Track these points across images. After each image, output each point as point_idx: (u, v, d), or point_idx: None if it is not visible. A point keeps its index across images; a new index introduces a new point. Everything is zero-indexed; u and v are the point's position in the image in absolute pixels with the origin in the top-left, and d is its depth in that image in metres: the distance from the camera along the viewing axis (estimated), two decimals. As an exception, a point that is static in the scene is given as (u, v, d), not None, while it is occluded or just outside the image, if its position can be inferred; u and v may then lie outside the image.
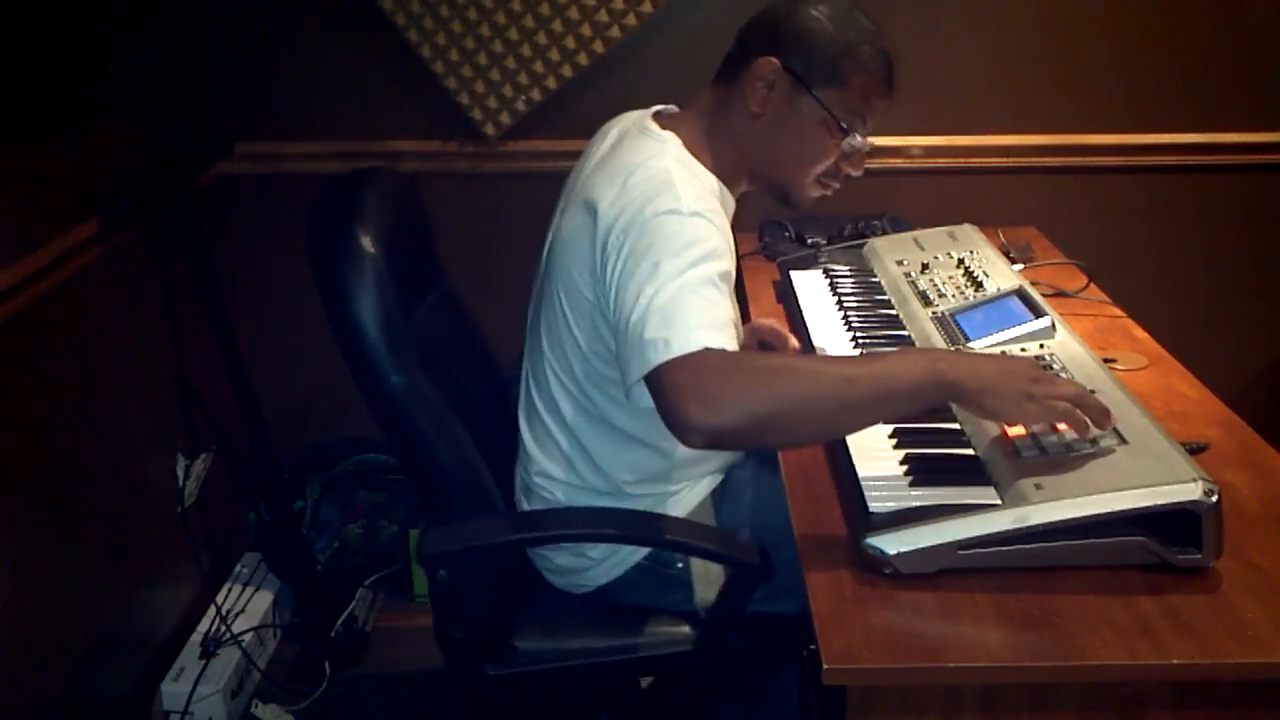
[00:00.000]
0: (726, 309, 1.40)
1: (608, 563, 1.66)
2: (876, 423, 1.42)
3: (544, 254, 1.70)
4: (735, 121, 1.59)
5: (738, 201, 1.71)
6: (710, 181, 1.58)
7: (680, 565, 1.65)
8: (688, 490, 1.69)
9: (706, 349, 1.31)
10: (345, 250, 1.52)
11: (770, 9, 1.61)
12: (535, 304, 1.72)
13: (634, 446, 1.62)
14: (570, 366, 1.61)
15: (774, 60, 1.55)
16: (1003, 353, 1.67)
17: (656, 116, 1.64)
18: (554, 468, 1.67)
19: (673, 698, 1.95)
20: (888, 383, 1.32)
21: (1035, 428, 1.38)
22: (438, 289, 1.82)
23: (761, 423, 1.30)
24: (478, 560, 1.61)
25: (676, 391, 1.30)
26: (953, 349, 1.71)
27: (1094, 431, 1.34)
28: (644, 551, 1.64)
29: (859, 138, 1.58)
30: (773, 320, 1.94)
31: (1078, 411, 1.33)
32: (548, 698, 1.78)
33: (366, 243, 1.53)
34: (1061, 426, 1.36)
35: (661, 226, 1.41)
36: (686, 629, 1.66)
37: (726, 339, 1.34)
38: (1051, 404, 1.33)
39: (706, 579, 1.63)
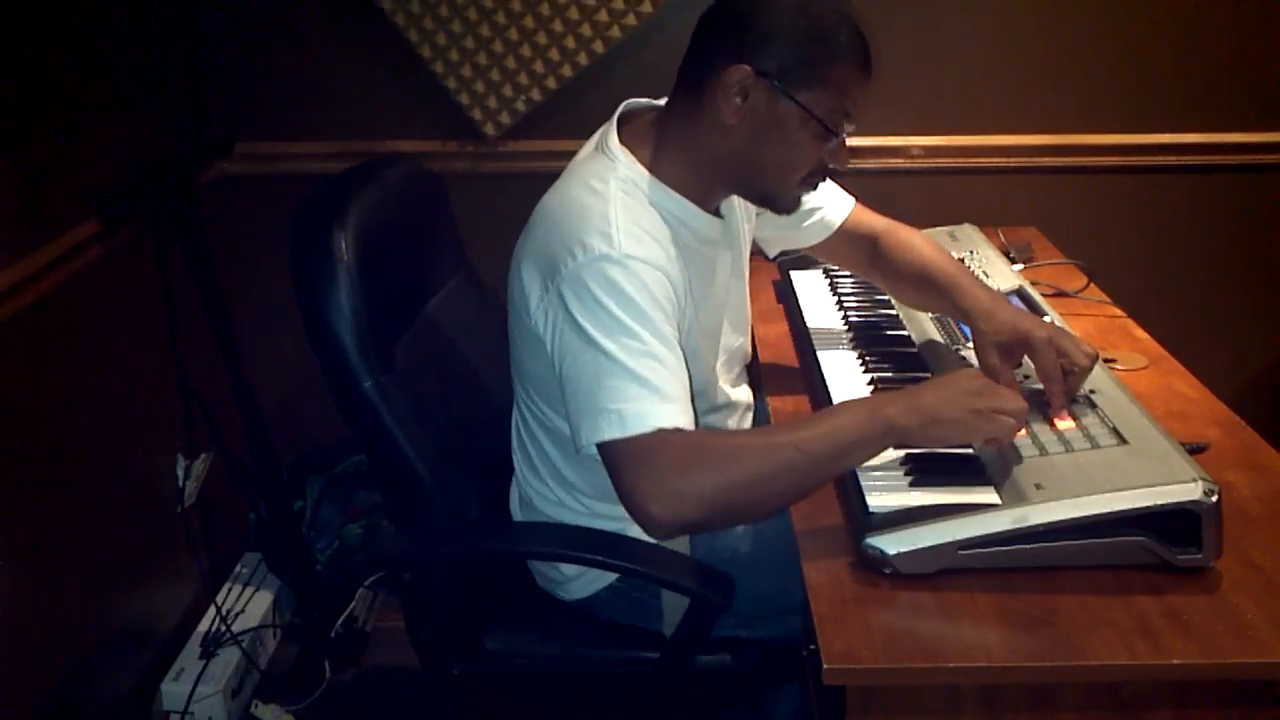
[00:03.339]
0: (675, 370, 1.37)
1: (580, 580, 1.65)
2: (834, 478, 1.41)
3: None
4: (707, 135, 1.46)
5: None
6: (653, 217, 1.46)
7: (650, 592, 1.61)
8: None
9: (659, 430, 1.31)
10: (319, 255, 1.52)
11: (730, 2, 1.45)
12: None
13: (594, 463, 1.57)
14: (525, 384, 1.60)
15: (745, 67, 1.40)
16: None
17: (626, 120, 1.55)
18: (535, 480, 1.66)
19: (651, 708, 1.94)
20: (836, 439, 1.33)
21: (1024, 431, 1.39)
22: (455, 280, 1.80)
23: (722, 509, 1.32)
24: (442, 565, 1.61)
25: (635, 488, 1.30)
26: (951, 349, 1.71)
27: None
28: (614, 575, 1.62)
29: (844, 134, 1.46)
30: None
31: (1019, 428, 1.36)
32: (515, 698, 1.78)
33: (341, 248, 1.51)
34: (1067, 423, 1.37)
35: (597, 279, 1.36)
36: (654, 649, 1.62)
37: (679, 411, 1.34)
38: (1001, 421, 1.33)
39: (678, 604, 1.55)
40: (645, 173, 1.48)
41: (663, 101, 1.56)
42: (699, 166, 1.50)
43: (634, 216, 1.42)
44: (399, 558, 1.57)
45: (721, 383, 1.70)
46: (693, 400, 1.40)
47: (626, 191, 1.45)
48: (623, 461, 1.32)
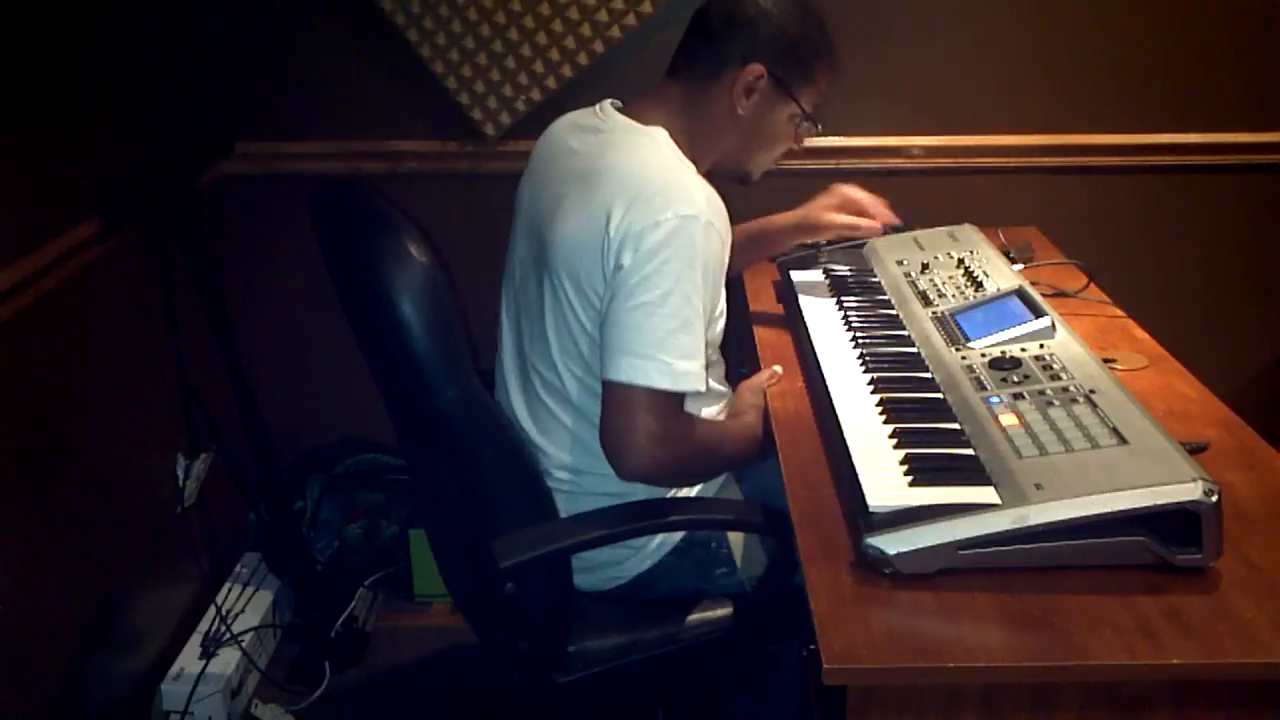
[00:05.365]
0: (699, 335, 1.54)
1: (647, 549, 1.70)
2: None
3: (514, 249, 1.74)
4: (715, 119, 1.68)
5: (733, 199, 1.72)
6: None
7: (716, 543, 1.70)
8: None
9: (674, 392, 1.51)
10: (396, 259, 1.45)
11: (738, 6, 1.67)
12: (518, 297, 1.73)
13: None
14: (578, 349, 1.63)
15: (760, 67, 1.64)
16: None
17: (624, 109, 1.70)
18: (565, 455, 1.69)
19: (725, 685, 1.93)
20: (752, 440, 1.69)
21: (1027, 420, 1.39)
22: None
23: (678, 480, 1.65)
24: (540, 569, 1.59)
25: (627, 433, 1.51)
26: (951, 349, 1.71)
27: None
28: (679, 534, 1.70)
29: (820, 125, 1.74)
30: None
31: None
32: (611, 699, 1.79)
33: (415, 250, 1.46)
34: (1060, 420, 1.36)
35: (678, 237, 1.50)
36: (730, 606, 1.70)
37: (696, 374, 1.53)
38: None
39: (746, 552, 1.69)
40: (677, 149, 1.65)
41: (614, 103, 1.73)
42: (704, 145, 1.69)
43: (700, 183, 1.58)
44: (526, 562, 1.51)
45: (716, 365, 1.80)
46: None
47: (684, 163, 1.63)
48: (631, 405, 1.52)
